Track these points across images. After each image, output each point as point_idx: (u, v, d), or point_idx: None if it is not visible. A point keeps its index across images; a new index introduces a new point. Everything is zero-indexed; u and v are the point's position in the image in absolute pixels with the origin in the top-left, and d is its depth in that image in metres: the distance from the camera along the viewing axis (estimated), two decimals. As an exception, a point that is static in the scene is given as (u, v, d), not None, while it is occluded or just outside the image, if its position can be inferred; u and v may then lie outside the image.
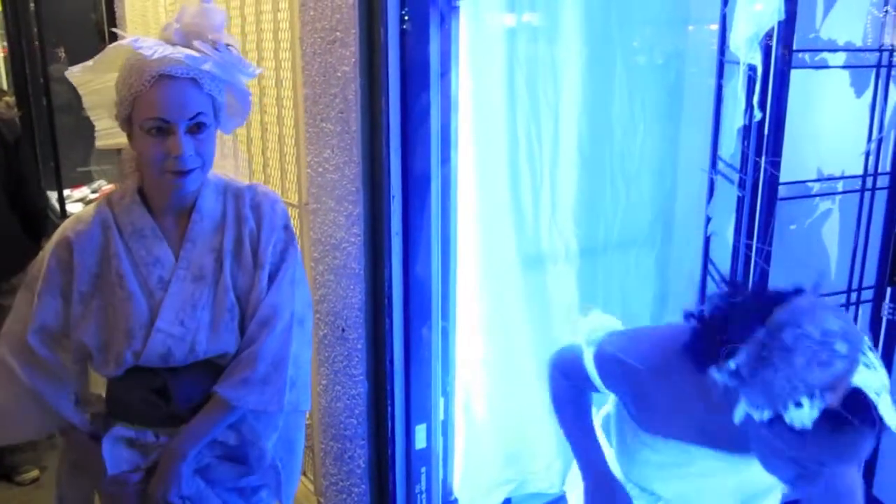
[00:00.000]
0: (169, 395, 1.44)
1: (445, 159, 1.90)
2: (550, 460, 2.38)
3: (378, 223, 1.81)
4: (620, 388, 1.38)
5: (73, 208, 4.10)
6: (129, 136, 1.39)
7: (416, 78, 1.76)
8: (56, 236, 1.45)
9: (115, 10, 3.38)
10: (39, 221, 2.81)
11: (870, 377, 1.02)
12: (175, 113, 1.32)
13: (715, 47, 2.31)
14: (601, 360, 1.38)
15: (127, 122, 1.36)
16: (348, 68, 1.75)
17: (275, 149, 2.40)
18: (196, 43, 1.36)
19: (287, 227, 1.48)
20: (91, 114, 1.46)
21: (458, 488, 2.23)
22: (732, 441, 1.22)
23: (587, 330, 1.43)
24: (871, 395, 1.02)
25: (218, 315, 1.43)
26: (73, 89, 1.46)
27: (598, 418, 1.62)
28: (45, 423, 1.50)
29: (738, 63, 2.21)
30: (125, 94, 1.33)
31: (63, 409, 1.48)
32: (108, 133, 1.46)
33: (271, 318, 1.42)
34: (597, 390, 1.45)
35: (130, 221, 1.42)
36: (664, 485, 1.43)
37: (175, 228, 1.44)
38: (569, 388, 1.50)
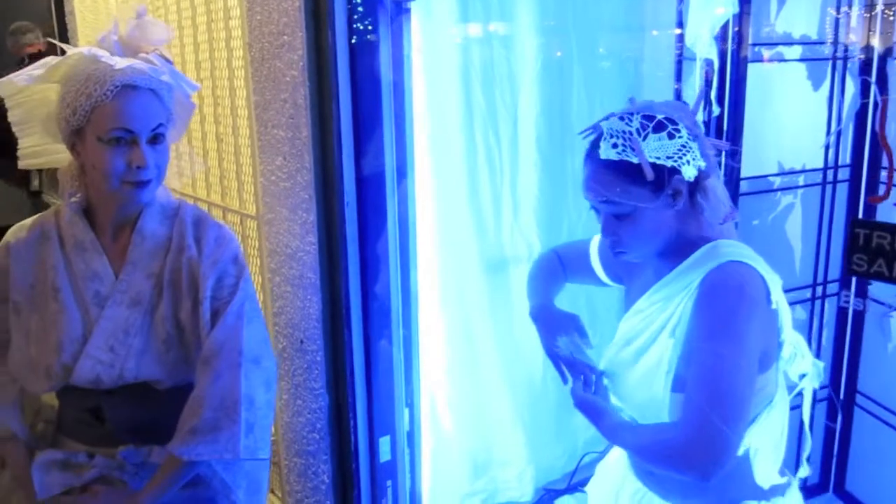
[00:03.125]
0: (103, 416, 1.40)
1: (401, 164, 1.86)
2: (522, 468, 2.34)
3: (333, 231, 1.76)
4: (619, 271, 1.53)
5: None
6: (73, 150, 1.34)
7: (366, 81, 1.71)
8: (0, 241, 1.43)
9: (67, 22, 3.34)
10: None
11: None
12: (139, 123, 1.30)
13: (673, 47, 2.30)
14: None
15: (75, 135, 1.32)
16: (296, 72, 1.70)
17: (231, 160, 2.35)
18: (142, 55, 1.34)
19: (236, 261, 1.42)
20: (20, 129, 1.39)
21: (427, 501, 2.18)
22: None
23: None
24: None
25: (150, 344, 1.38)
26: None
27: None
28: None
29: (695, 60, 2.20)
30: (81, 104, 1.28)
31: (4, 417, 1.46)
32: (35, 151, 1.41)
33: (214, 356, 1.34)
34: (596, 282, 1.59)
35: (72, 234, 1.39)
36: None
37: (114, 245, 1.41)
38: (552, 258, 1.65)
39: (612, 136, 1.27)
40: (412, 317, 2.00)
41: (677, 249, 1.35)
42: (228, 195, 2.42)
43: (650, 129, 1.26)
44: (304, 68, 1.68)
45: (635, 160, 1.25)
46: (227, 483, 1.43)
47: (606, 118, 1.31)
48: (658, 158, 1.25)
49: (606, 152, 1.26)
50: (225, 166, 2.41)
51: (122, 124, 1.28)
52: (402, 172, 1.88)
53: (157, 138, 1.33)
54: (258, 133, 1.91)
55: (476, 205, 2.14)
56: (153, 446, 1.44)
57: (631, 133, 1.27)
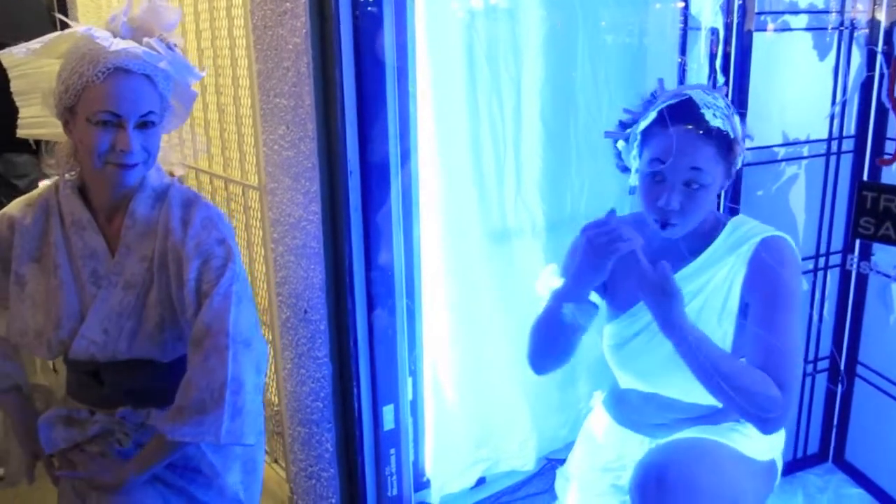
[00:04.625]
0: (101, 379, 1.43)
1: (404, 133, 1.86)
2: (524, 438, 2.35)
3: (336, 200, 1.76)
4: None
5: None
6: (66, 126, 1.34)
7: (370, 48, 1.70)
8: (3, 211, 1.44)
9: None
10: None
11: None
12: (127, 108, 1.29)
13: (678, 17, 2.28)
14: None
15: (68, 112, 1.32)
16: (299, 40, 1.69)
17: (233, 130, 2.34)
18: (146, 40, 1.33)
19: (223, 242, 1.40)
20: (20, 99, 1.40)
21: (431, 469, 2.20)
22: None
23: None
24: None
25: (143, 326, 1.40)
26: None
27: None
28: None
29: (700, 30, 2.18)
30: (73, 83, 1.28)
31: (8, 369, 1.52)
32: (35, 122, 1.42)
33: (202, 338, 1.33)
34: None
35: (70, 212, 1.40)
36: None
37: (109, 225, 1.42)
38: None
39: (709, 107, 1.34)
40: (415, 286, 2.01)
41: (699, 228, 1.45)
42: (230, 166, 2.41)
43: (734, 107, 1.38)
44: (307, 35, 1.67)
45: (731, 134, 1.36)
46: (214, 466, 1.44)
47: (685, 91, 1.38)
48: (737, 135, 1.39)
49: (713, 121, 1.33)
50: (226, 137, 2.40)
51: (110, 107, 1.28)
52: (406, 141, 1.88)
53: (146, 124, 1.32)
54: (260, 102, 1.90)
55: (480, 175, 2.13)
56: (151, 409, 1.46)
57: (727, 107, 1.37)
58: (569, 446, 2.47)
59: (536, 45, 2.20)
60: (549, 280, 1.55)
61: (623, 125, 1.52)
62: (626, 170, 1.54)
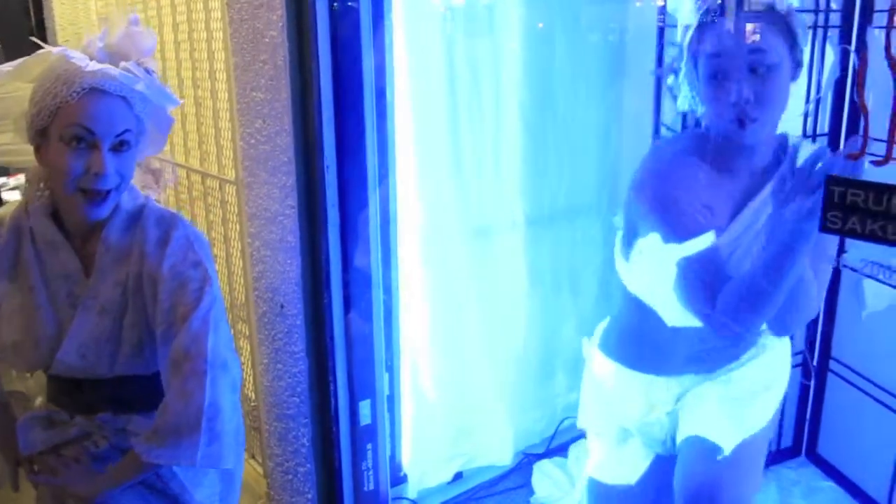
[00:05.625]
0: (82, 389, 1.43)
1: (382, 127, 1.85)
2: (502, 433, 2.36)
3: (313, 194, 1.75)
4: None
5: (9, 196, 3.98)
6: (38, 151, 1.31)
7: (347, 41, 1.70)
8: None
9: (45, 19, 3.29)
10: None
11: None
12: (102, 127, 1.26)
13: (656, 13, 2.30)
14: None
15: (40, 135, 1.29)
16: (276, 33, 1.68)
17: (209, 124, 2.33)
18: (122, 64, 1.31)
19: (199, 265, 1.38)
20: None
21: (408, 464, 2.21)
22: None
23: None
24: None
25: (121, 348, 1.39)
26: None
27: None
28: None
29: (677, 27, 2.20)
30: (46, 104, 1.25)
31: None
32: (9, 150, 1.39)
33: (181, 362, 1.32)
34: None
35: (42, 234, 1.37)
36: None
37: (84, 247, 1.39)
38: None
39: None
40: (392, 281, 2.01)
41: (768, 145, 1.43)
42: (207, 160, 2.40)
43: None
44: (283, 28, 1.66)
45: (783, 10, 1.35)
46: (184, 485, 1.44)
47: None
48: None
49: (780, 4, 1.33)
50: (203, 131, 2.38)
51: (83, 122, 1.25)
52: (384, 135, 1.88)
53: (121, 145, 1.30)
54: (237, 95, 1.89)
55: (458, 170, 2.13)
56: (131, 415, 1.45)
57: None
58: (545, 441, 2.51)
59: (515, 40, 2.20)
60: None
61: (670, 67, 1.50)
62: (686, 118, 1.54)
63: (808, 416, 2.37)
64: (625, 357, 1.69)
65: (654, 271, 1.46)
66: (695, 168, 1.42)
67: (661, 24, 2.25)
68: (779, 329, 1.49)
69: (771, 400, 1.63)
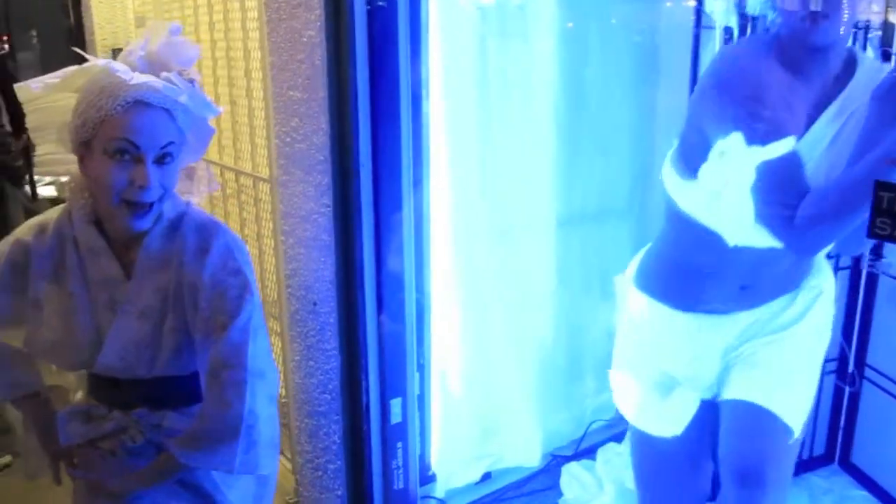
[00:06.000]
0: (120, 386, 1.44)
1: (416, 126, 1.86)
2: (530, 434, 2.36)
3: (348, 193, 1.76)
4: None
5: (44, 192, 4.05)
6: (82, 162, 1.32)
7: (384, 42, 1.71)
8: (16, 236, 1.42)
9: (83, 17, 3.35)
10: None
11: None
12: (146, 140, 1.26)
13: (691, 14, 2.28)
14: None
15: (84, 146, 1.30)
16: (314, 33, 1.70)
17: (245, 122, 2.35)
18: (164, 74, 1.31)
19: (239, 273, 1.37)
20: (37, 135, 1.39)
21: (436, 463, 2.21)
22: None
23: None
24: None
25: (161, 353, 1.39)
26: (46, 71, 1.40)
27: None
28: (7, 390, 1.54)
29: (714, 28, 2.18)
30: (91, 116, 1.26)
31: (24, 379, 1.52)
32: (52, 159, 1.40)
33: (219, 371, 1.33)
34: None
35: (85, 240, 1.38)
36: None
37: (126, 253, 1.40)
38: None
39: None
40: (424, 280, 2.01)
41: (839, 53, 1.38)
42: (242, 158, 2.42)
43: None
44: (321, 28, 1.68)
45: None
46: (217, 485, 1.45)
47: None
48: None
49: None
50: (238, 129, 2.41)
51: (128, 136, 1.25)
52: (418, 135, 1.88)
53: (164, 157, 1.30)
54: (274, 94, 1.90)
55: (490, 171, 2.13)
56: (167, 412, 1.47)
57: None
58: (573, 443, 2.50)
59: (548, 41, 2.20)
60: None
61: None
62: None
63: (841, 423, 2.34)
64: (666, 293, 1.60)
65: (727, 178, 1.39)
66: (772, 69, 1.38)
67: (696, 26, 2.25)
68: (849, 248, 1.43)
69: (816, 370, 1.59)
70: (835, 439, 2.37)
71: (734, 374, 1.57)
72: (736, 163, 1.36)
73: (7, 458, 2.78)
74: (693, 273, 1.55)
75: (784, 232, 1.33)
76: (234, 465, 1.31)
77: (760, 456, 1.51)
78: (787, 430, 1.50)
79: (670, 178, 1.54)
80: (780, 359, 1.54)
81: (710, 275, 1.53)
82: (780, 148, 1.31)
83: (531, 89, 2.19)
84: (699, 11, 2.24)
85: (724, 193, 1.41)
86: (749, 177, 1.34)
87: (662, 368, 1.62)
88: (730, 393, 1.56)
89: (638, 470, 1.79)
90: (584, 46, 2.29)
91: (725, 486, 1.57)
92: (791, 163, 1.32)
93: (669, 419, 1.62)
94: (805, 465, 2.34)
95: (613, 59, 2.35)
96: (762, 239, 1.38)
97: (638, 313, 1.66)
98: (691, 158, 1.48)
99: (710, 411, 1.61)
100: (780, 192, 1.32)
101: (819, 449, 2.37)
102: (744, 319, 1.55)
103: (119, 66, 1.28)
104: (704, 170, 1.44)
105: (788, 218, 1.30)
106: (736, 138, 1.34)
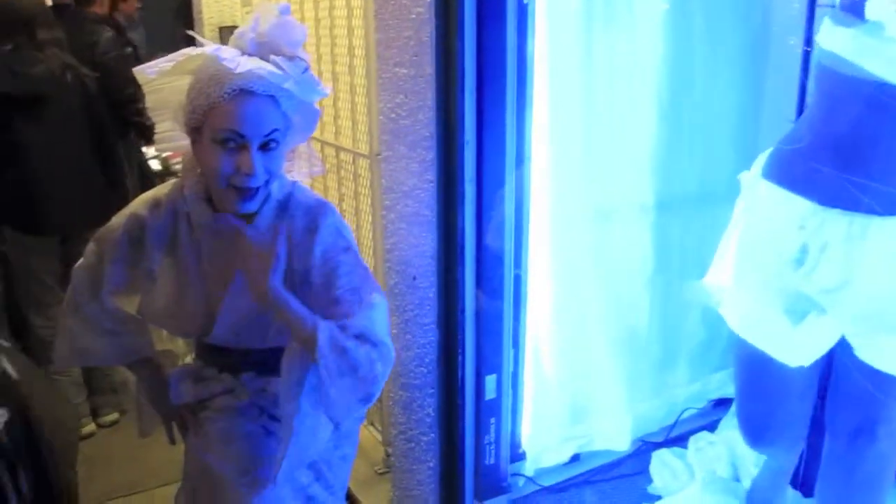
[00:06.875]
0: (231, 353, 1.52)
1: (520, 105, 1.86)
2: (620, 418, 2.34)
3: (451, 169, 1.78)
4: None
5: (153, 165, 4.22)
6: (194, 144, 1.38)
7: (492, 20, 1.71)
8: (132, 209, 1.49)
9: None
10: (120, 172, 2.87)
11: None
12: (252, 128, 1.30)
13: (804, -6, 2.20)
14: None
15: (195, 132, 1.35)
16: (422, 9, 1.71)
17: (346, 99, 2.40)
18: (272, 57, 1.33)
19: (349, 249, 1.42)
20: (154, 114, 1.43)
21: (526, 442, 2.22)
22: None
23: None
24: None
25: (271, 326, 1.45)
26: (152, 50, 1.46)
27: None
28: (122, 356, 1.62)
29: (831, 6, 2.09)
30: (200, 103, 1.31)
31: (138, 345, 1.60)
32: (169, 136, 1.44)
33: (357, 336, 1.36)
34: None
35: (198, 216, 1.43)
36: None
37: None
38: None
39: None
40: (523, 259, 2.02)
41: None
42: (342, 134, 2.48)
43: None
44: (430, 5, 1.69)
45: None
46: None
47: None
48: None
49: None
50: (339, 105, 2.46)
51: (233, 127, 1.29)
52: (522, 114, 1.88)
53: (269, 143, 1.33)
54: (379, 71, 1.93)
55: (591, 151, 2.11)
56: (272, 378, 1.52)
57: None
58: (664, 430, 2.47)
59: (654, 22, 2.15)
60: None
61: None
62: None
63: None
64: (800, 183, 1.44)
65: None
66: None
67: (810, 4, 2.16)
68: None
69: None
70: None
71: (862, 330, 1.47)
72: None
73: (115, 415, 2.94)
74: (851, 158, 1.38)
75: None
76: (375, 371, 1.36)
77: (877, 417, 1.54)
78: None
79: (826, 34, 1.42)
80: None
81: (872, 158, 1.35)
82: None
83: (634, 72, 2.16)
84: (815, -7, 2.15)
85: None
86: None
87: (799, 289, 1.45)
88: (858, 353, 1.52)
89: (741, 383, 1.78)
90: (691, 27, 2.23)
91: (834, 437, 1.62)
92: None
93: (800, 348, 1.51)
94: None
95: (719, 37, 2.28)
96: None
97: (765, 204, 1.51)
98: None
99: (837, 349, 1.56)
100: None
101: None
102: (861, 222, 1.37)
103: (226, 54, 1.31)
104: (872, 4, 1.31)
105: None
106: None
